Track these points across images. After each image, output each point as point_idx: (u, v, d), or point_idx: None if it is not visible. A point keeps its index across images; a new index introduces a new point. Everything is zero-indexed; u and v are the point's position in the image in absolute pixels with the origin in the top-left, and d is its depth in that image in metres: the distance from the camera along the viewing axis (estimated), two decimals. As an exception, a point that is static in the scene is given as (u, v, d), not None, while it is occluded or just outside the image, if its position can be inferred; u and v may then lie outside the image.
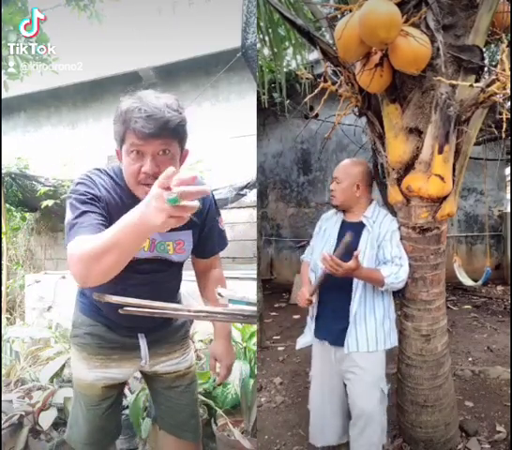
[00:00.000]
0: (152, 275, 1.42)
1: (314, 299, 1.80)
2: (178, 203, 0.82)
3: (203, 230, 1.51)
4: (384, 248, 1.77)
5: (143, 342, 1.53)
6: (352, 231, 1.71)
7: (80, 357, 1.54)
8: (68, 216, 1.17)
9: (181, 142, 1.25)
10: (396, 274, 1.73)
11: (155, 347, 1.56)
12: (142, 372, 1.67)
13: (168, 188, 0.81)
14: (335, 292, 1.80)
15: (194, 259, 1.63)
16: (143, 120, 1.13)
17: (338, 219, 1.92)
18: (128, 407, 2.20)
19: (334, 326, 1.81)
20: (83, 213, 1.16)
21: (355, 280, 1.75)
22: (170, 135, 1.18)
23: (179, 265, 1.52)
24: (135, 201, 1.10)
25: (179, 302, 1.65)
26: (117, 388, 1.59)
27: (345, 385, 1.85)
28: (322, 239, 1.92)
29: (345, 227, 1.85)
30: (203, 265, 1.66)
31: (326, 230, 1.92)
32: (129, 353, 1.53)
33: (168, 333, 1.60)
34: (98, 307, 1.48)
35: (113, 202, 1.27)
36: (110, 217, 1.19)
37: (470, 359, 3.29)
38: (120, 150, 1.24)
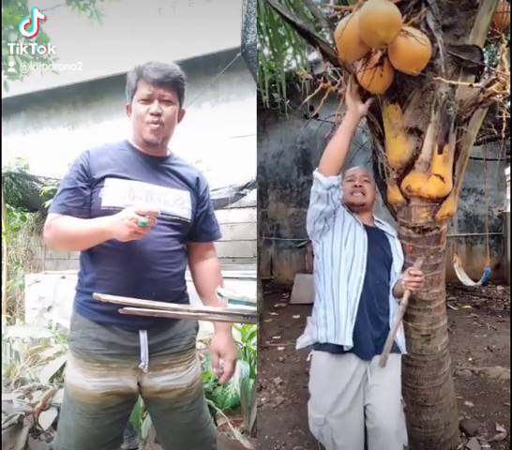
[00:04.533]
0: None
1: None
2: (146, 226, 1.21)
3: (201, 205, 1.61)
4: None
5: (143, 340, 1.43)
6: (375, 236, 1.78)
7: (76, 364, 1.45)
8: (59, 187, 1.47)
9: (180, 97, 1.51)
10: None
11: (158, 358, 1.46)
12: (141, 392, 1.49)
13: (142, 215, 1.20)
14: (374, 300, 1.70)
15: (190, 245, 1.63)
16: (152, 70, 1.43)
17: (354, 219, 1.81)
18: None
19: (373, 339, 1.67)
20: (65, 190, 1.44)
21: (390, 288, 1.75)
22: (172, 84, 1.45)
23: (181, 229, 1.51)
24: (132, 149, 1.51)
25: (186, 298, 1.58)
26: (120, 398, 1.45)
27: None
28: (345, 248, 1.74)
29: (367, 230, 1.80)
30: (199, 252, 1.66)
31: (345, 223, 1.79)
32: (129, 360, 1.43)
33: (172, 338, 1.50)
34: (99, 302, 1.42)
35: (119, 155, 1.51)
36: (113, 163, 1.47)
37: (470, 359, 3.29)
38: (130, 104, 1.49)
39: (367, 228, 1.80)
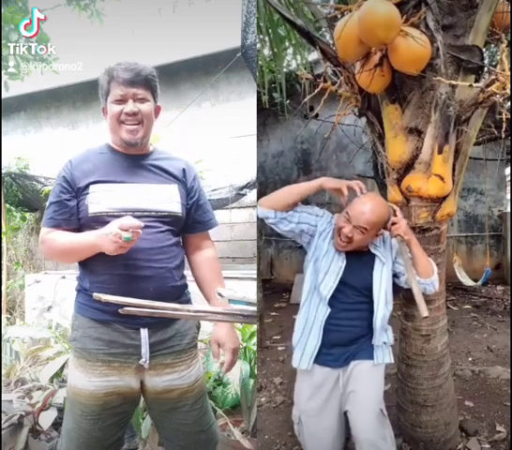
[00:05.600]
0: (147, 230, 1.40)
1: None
2: (130, 240, 1.27)
3: (191, 196, 1.60)
4: (396, 268, 1.72)
5: (144, 337, 1.43)
6: (356, 261, 1.66)
7: (77, 365, 1.45)
8: (48, 201, 1.51)
9: (154, 94, 1.50)
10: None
11: (159, 356, 1.46)
12: (142, 392, 1.52)
13: (125, 230, 1.26)
14: (349, 320, 1.68)
15: (185, 237, 1.64)
16: (122, 70, 1.43)
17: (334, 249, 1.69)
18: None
19: (346, 349, 1.67)
20: (51, 204, 1.48)
21: (376, 304, 1.64)
22: (144, 82, 1.45)
23: (172, 223, 1.51)
24: (113, 152, 1.52)
25: (188, 298, 1.57)
26: (122, 398, 1.45)
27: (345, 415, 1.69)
28: (323, 260, 1.68)
29: (350, 255, 1.67)
30: (196, 243, 1.65)
31: (324, 251, 1.69)
32: (130, 359, 1.43)
33: (173, 336, 1.49)
34: (99, 301, 1.45)
35: (100, 159, 1.52)
36: (95, 169, 1.48)
37: (470, 359, 3.29)
38: (106, 106, 1.48)
39: (352, 254, 1.66)
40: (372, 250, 1.69)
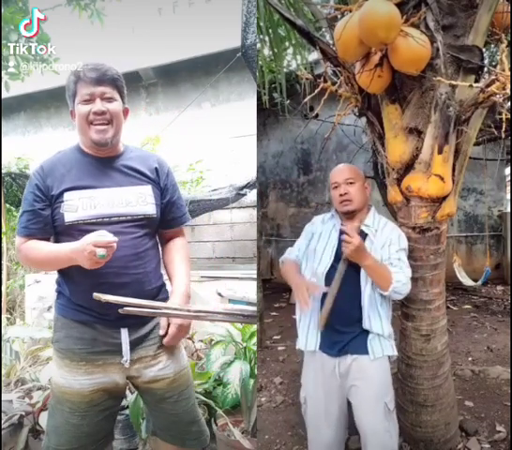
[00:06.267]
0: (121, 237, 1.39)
1: (310, 303, 1.67)
2: (105, 257, 1.26)
3: (164, 195, 1.59)
4: (383, 255, 1.68)
5: (125, 338, 1.45)
6: None
7: (62, 365, 1.48)
8: (21, 208, 1.50)
9: (121, 94, 1.49)
10: (400, 273, 1.65)
11: (141, 350, 1.49)
12: (133, 384, 1.57)
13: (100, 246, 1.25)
14: (341, 299, 1.67)
15: (160, 232, 1.64)
16: (88, 70, 1.43)
17: (337, 225, 1.78)
18: (127, 407, 2.20)
19: (340, 336, 1.69)
20: (25, 212, 1.47)
21: (363, 283, 1.66)
22: (110, 82, 1.44)
23: (148, 226, 1.51)
24: (84, 155, 1.51)
25: (166, 296, 1.56)
26: (108, 394, 1.48)
27: (348, 403, 1.73)
28: (318, 244, 1.77)
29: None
30: (169, 236, 1.67)
31: (322, 234, 1.79)
32: (113, 356, 1.46)
33: (152, 329, 1.51)
34: (77, 303, 1.46)
35: (72, 162, 1.51)
36: (67, 173, 1.47)
37: (470, 359, 3.29)
38: (74, 109, 1.46)
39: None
40: (364, 229, 1.72)
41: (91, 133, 1.44)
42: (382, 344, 1.68)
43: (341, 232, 1.69)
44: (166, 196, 1.60)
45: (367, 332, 1.68)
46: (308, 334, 1.73)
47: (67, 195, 1.44)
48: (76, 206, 1.42)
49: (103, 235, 1.29)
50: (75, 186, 1.45)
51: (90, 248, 1.25)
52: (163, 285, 1.60)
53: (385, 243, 1.71)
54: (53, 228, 1.46)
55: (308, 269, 1.77)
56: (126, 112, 1.53)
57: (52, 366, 1.57)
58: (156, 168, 1.58)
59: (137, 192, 1.50)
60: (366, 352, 1.67)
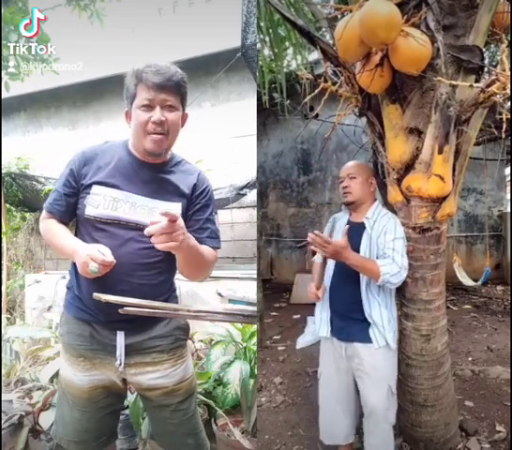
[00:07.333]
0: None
1: (320, 293, 1.83)
2: (96, 273, 1.25)
3: (192, 210, 1.50)
4: (379, 244, 1.76)
5: (120, 340, 1.42)
6: (354, 232, 1.73)
7: (66, 357, 1.50)
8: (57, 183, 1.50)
9: (183, 101, 1.43)
10: (390, 265, 1.69)
11: (138, 356, 1.46)
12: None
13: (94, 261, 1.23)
14: (345, 287, 1.81)
15: None
16: (152, 73, 1.33)
17: (343, 219, 1.93)
18: (128, 407, 2.20)
19: (345, 322, 1.82)
20: (56, 190, 1.47)
21: (363, 276, 1.76)
22: (174, 88, 1.36)
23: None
24: (129, 154, 1.45)
25: (176, 298, 1.57)
26: (107, 391, 1.48)
27: (355, 382, 1.86)
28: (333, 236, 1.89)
29: (350, 227, 1.79)
30: None
31: (336, 228, 1.93)
32: (109, 357, 1.44)
33: (152, 338, 1.48)
34: (80, 300, 1.45)
35: (115, 158, 1.46)
36: (105, 166, 1.43)
37: (470, 359, 3.29)
38: (130, 110, 1.40)
39: (354, 224, 1.84)
40: (365, 222, 1.83)
41: (146, 142, 1.38)
42: (381, 332, 1.76)
43: (348, 223, 1.85)
44: (194, 213, 1.51)
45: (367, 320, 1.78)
46: (321, 322, 1.89)
47: (95, 188, 1.41)
48: (98, 203, 1.40)
49: (103, 253, 1.26)
50: (106, 182, 1.41)
51: (86, 259, 1.24)
52: (169, 297, 1.53)
53: (381, 232, 1.77)
54: (75, 215, 1.46)
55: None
56: (185, 118, 1.47)
57: (60, 357, 1.60)
58: (194, 184, 1.51)
59: (163, 207, 1.40)
60: (367, 339, 1.76)
